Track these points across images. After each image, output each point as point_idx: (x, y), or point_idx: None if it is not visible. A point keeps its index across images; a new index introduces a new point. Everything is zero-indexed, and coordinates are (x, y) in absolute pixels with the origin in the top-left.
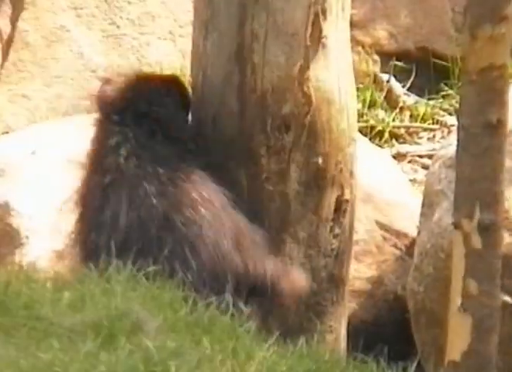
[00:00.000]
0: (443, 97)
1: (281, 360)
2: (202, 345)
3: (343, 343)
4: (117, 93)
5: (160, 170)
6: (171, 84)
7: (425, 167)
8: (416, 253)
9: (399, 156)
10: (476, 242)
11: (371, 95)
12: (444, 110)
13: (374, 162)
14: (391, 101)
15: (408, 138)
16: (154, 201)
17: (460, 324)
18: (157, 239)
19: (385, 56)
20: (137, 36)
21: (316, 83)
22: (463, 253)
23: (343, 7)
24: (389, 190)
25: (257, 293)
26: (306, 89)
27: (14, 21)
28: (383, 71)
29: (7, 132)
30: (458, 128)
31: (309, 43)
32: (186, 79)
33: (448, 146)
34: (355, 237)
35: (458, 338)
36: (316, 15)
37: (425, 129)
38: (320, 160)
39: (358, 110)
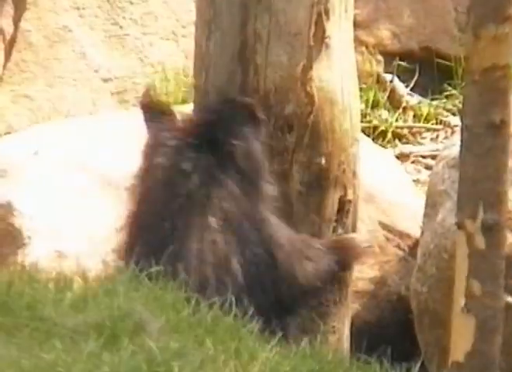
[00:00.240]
0: (446, 97)
1: (284, 361)
2: (205, 345)
3: (346, 344)
4: (197, 116)
5: (227, 207)
6: (251, 111)
7: (428, 168)
8: (420, 253)
9: (402, 157)
10: (480, 242)
11: (375, 95)
12: (448, 110)
13: (377, 162)
14: (394, 102)
15: (411, 138)
16: (217, 237)
17: (463, 324)
18: (215, 280)
19: (389, 56)
20: (140, 36)
21: (319, 83)
22: (466, 253)
23: (346, 7)
24: (392, 190)
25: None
26: (308, 89)
27: (16, 21)
28: (386, 71)
29: (9, 133)
30: (462, 128)
31: (312, 43)
32: (189, 79)
33: (452, 146)
34: None
35: (462, 338)
36: (319, 15)
37: (428, 129)
38: (323, 161)
39: (361, 110)
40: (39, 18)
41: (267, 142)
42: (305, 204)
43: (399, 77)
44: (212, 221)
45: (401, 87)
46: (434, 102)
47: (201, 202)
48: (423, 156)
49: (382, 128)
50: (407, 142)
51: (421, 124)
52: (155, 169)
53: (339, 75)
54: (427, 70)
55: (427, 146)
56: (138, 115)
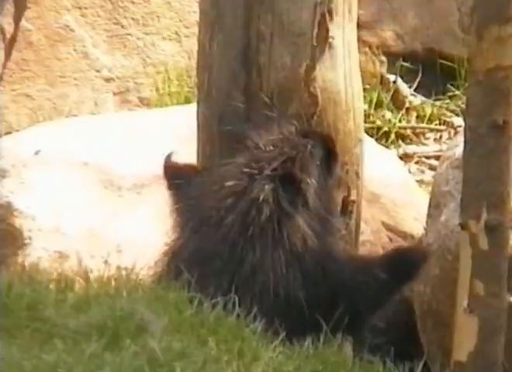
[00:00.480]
0: (449, 98)
1: (287, 361)
2: (207, 346)
3: (349, 344)
4: (275, 146)
5: (294, 240)
6: (328, 146)
7: (432, 168)
8: None
9: (405, 157)
10: (483, 243)
11: (378, 96)
12: (451, 111)
13: (380, 163)
14: (397, 102)
15: (415, 139)
16: (284, 271)
17: (466, 325)
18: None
19: (392, 57)
20: (142, 36)
21: (323, 83)
22: (470, 253)
23: (349, 8)
24: (396, 191)
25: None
26: (312, 90)
27: (17, 20)
28: (390, 72)
29: (10, 132)
30: (465, 129)
31: (315, 44)
32: (192, 79)
33: (455, 146)
34: (361, 238)
35: (465, 339)
36: (323, 15)
37: (432, 130)
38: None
39: (365, 111)
40: (40, 18)
41: (338, 176)
42: None
43: (402, 77)
44: (281, 254)
45: (404, 88)
46: (438, 103)
47: (271, 234)
48: (427, 157)
49: (386, 128)
50: (411, 143)
51: (424, 125)
52: (224, 194)
53: (342, 76)
54: (431, 70)
55: (430, 147)
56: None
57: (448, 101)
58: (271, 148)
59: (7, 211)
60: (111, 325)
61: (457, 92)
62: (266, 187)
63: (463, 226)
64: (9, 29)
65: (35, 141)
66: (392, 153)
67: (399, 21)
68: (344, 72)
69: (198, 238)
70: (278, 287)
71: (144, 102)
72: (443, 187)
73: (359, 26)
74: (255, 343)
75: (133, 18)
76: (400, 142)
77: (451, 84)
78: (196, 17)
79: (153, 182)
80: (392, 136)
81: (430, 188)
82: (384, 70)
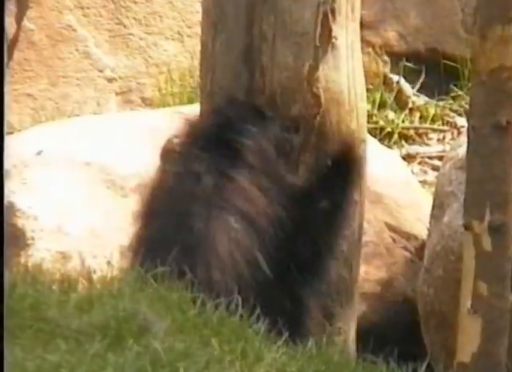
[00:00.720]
0: (453, 98)
1: (290, 362)
2: (210, 346)
3: (352, 345)
4: (204, 119)
5: (239, 204)
6: (258, 110)
7: (435, 169)
8: (426, 255)
9: (408, 158)
10: (486, 243)
11: (381, 96)
12: (454, 111)
13: (383, 163)
14: (401, 102)
15: (418, 139)
16: (234, 234)
17: (470, 326)
18: (237, 277)
19: (395, 57)
20: (144, 36)
21: (326, 84)
22: (473, 254)
23: (353, 8)
24: (399, 191)
25: None
26: (315, 90)
27: (19, 20)
28: (393, 72)
29: (12, 132)
30: (468, 129)
31: (318, 44)
32: (195, 80)
33: (458, 147)
34: (364, 239)
35: (468, 340)
36: (325, 15)
37: (435, 130)
38: (330, 162)
39: (368, 111)
40: (42, 17)
41: (279, 137)
42: None
43: (405, 77)
44: (231, 220)
45: (407, 88)
46: (441, 103)
47: (217, 203)
48: (430, 157)
49: (389, 129)
50: (414, 143)
51: (428, 125)
52: (166, 175)
53: (345, 76)
54: (434, 71)
55: (433, 147)
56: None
57: (451, 101)
58: (201, 121)
59: (9, 212)
60: (114, 326)
61: (460, 92)
62: (202, 157)
63: (466, 227)
64: (11, 28)
65: (37, 141)
66: (395, 154)
67: (403, 21)
68: (347, 72)
69: (152, 220)
70: (234, 252)
71: (147, 102)
72: (446, 188)
73: (362, 26)
74: (258, 344)
75: (135, 18)
76: (403, 142)
77: (455, 85)
78: (199, 17)
79: None
80: (395, 136)
81: (433, 189)
82: (387, 70)
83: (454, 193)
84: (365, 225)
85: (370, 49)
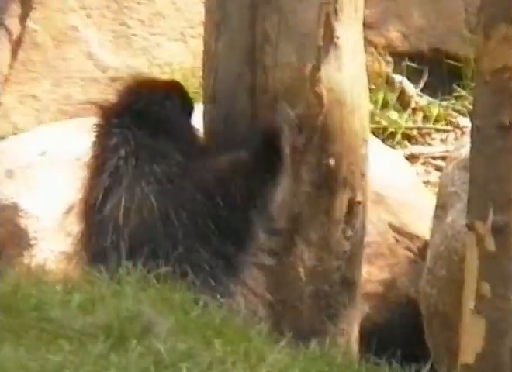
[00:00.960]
0: (456, 98)
1: (293, 363)
2: (213, 347)
3: (355, 346)
4: (117, 96)
5: (157, 169)
6: (171, 88)
7: (438, 169)
8: (429, 255)
9: (412, 158)
10: (490, 244)
11: (384, 96)
12: (457, 111)
13: (386, 163)
14: (403, 102)
15: (421, 139)
16: (152, 199)
17: (473, 327)
18: (156, 239)
19: (398, 57)
20: (148, 36)
21: (328, 84)
22: (476, 255)
23: (355, 8)
24: (402, 192)
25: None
26: (317, 90)
27: (23, 21)
28: (396, 72)
29: (16, 133)
30: (472, 129)
31: (321, 44)
32: (198, 80)
33: (461, 147)
34: (367, 239)
35: (472, 341)
36: (328, 15)
37: (438, 131)
38: (332, 162)
39: (371, 111)
40: (46, 18)
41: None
42: (314, 206)
43: (408, 77)
44: (143, 183)
45: (410, 88)
46: (444, 103)
47: (130, 170)
48: (433, 158)
49: (392, 129)
50: (417, 144)
51: (431, 125)
52: (89, 156)
53: (348, 76)
54: (437, 71)
55: (436, 147)
56: None
57: (454, 101)
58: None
59: (13, 212)
60: (117, 326)
61: (463, 92)
62: (116, 131)
63: (470, 227)
64: (15, 29)
65: (40, 142)
66: (398, 154)
67: (405, 21)
68: (349, 72)
69: (88, 198)
70: (147, 208)
71: None
72: (449, 188)
73: (365, 26)
74: (261, 345)
75: (138, 19)
76: (406, 142)
77: (458, 85)
78: (202, 17)
79: None
80: (398, 136)
81: (436, 189)
82: (390, 70)
83: (458, 193)
84: (368, 225)
85: (373, 49)
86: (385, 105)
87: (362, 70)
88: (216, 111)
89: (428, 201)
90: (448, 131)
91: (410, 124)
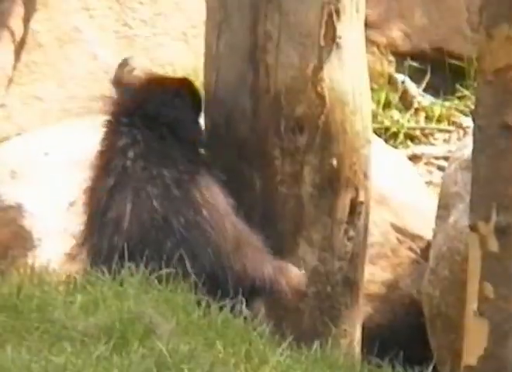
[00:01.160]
0: (458, 98)
1: (295, 364)
2: (215, 348)
3: (357, 347)
4: (128, 95)
5: (165, 173)
6: (182, 86)
7: (441, 169)
8: (432, 256)
9: (414, 158)
10: (493, 244)
11: (386, 96)
12: (460, 111)
13: (389, 163)
14: (406, 102)
15: (423, 139)
16: (156, 203)
17: (476, 328)
18: (155, 242)
19: (400, 57)
20: (150, 36)
21: (330, 84)
22: (479, 255)
23: (357, 7)
24: (405, 192)
25: (256, 292)
26: (319, 90)
27: (26, 22)
28: (398, 72)
29: (19, 134)
30: (474, 129)
31: (322, 44)
32: (199, 80)
33: (464, 147)
34: (370, 240)
35: (475, 342)
36: (330, 15)
37: (440, 131)
38: (335, 162)
39: (373, 111)
40: (49, 19)
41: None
42: (316, 206)
43: (410, 77)
44: (150, 189)
45: (413, 88)
46: (447, 103)
47: (137, 174)
48: (436, 158)
49: (394, 129)
50: (419, 144)
51: (433, 125)
52: (97, 155)
53: (350, 76)
54: (439, 70)
55: (439, 148)
56: None
57: (456, 101)
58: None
59: (17, 213)
60: (119, 328)
61: (466, 92)
62: (125, 131)
63: (472, 228)
64: (18, 30)
65: (44, 142)
66: (400, 154)
67: (408, 20)
68: (351, 72)
69: (92, 198)
70: (150, 217)
71: None
72: (452, 188)
73: (367, 26)
74: (263, 346)
75: (140, 19)
76: (409, 142)
77: (460, 84)
78: (203, 17)
79: None
80: (401, 136)
81: (438, 189)
82: (392, 70)
83: (460, 193)
84: (371, 225)
85: (375, 49)
86: (387, 105)
87: (364, 70)
88: (218, 110)
89: (431, 201)
90: (450, 131)
91: (413, 124)
